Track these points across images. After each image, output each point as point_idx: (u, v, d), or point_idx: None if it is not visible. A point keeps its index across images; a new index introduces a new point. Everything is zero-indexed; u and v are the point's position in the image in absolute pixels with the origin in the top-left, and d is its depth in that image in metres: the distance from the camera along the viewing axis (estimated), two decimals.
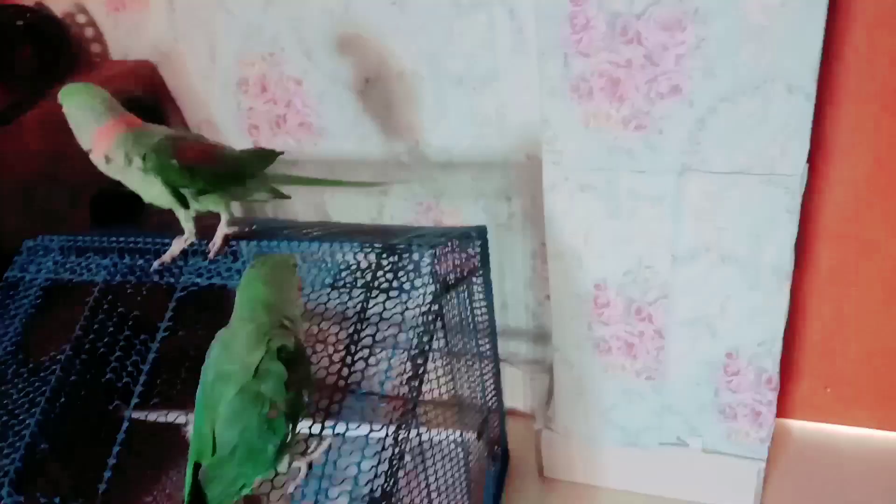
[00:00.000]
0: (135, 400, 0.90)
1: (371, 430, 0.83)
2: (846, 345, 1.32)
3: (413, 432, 0.86)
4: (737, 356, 1.16)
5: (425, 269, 0.94)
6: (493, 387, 1.31)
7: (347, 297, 0.92)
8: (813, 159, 1.11)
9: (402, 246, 0.96)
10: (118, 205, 1.33)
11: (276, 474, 0.78)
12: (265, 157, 1.04)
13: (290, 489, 0.79)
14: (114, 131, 0.88)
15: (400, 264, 0.94)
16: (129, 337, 0.96)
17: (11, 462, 0.89)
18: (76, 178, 1.23)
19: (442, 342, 1.04)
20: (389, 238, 0.99)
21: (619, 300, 1.17)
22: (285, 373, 0.74)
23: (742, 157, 0.99)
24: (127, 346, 0.95)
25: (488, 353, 1.28)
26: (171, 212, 0.97)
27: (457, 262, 1.06)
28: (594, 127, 1.03)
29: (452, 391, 1.14)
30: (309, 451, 0.81)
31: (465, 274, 1.10)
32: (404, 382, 0.86)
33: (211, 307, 1.01)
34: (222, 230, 0.98)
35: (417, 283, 0.92)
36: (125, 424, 0.90)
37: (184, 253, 1.00)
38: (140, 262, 1.01)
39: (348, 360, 0.86)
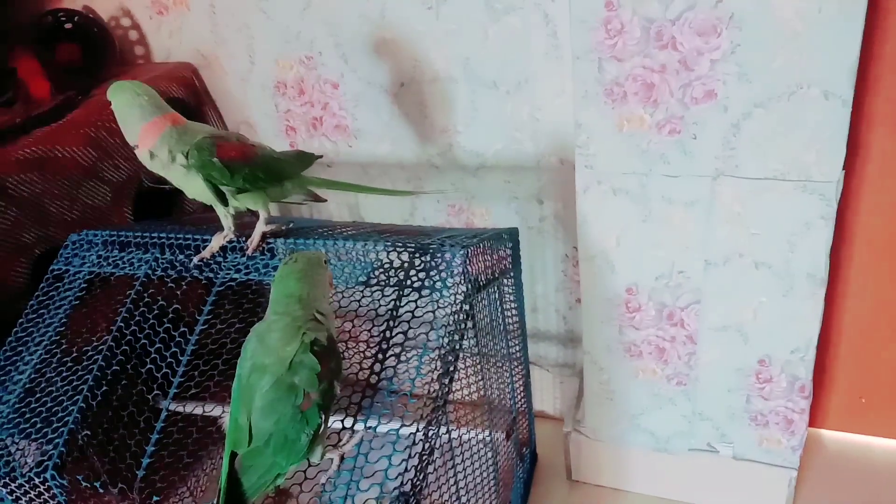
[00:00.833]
0: (173, 390, 0.93)
1: (402, 426, 0.84)
2: (882, 354, 1.31)
3: (443, 429, 0.87)
4: (769, 363, 1.15)
5: (457, 269, 0.95)
6: (522, 388, 1.32)
7: (380, 295, 0.93)
8: (848, 165, 1.10)
9: (434, 246, 0.97)
10: (159, 201, 1.37)
11: (309, 465, 0.80)
12: (303, 159, 1.06)
13: (323, 480, 0.81)
14: (159, 128, 0.91)
15: (432, 263, 0.95)
16: (168, 329, 0.98)
17: (55, 447, 0.92)
18: (120, 174, 1.27)
19: (472, 342, 1.05)
20: (422, 238, 1.01)
21: (650, 304, 1.17)
22: (318, 365, 0.76)
23: (776, 162, 0.99)
24: (166, 338, 0.97)
25: (518, 354, 1.28)
26: (206, 209, 1.00)
27: (488, 262, 1.07)
28: (628, 131, 1.04)
29: (482, 391, 1.15)
30: (341, 443, 0.83)
31: (497, 275, 1.11)
32: (435, 379, 0.87)
33: (247, 302, 1.04)
34: (260, 227, 1.01)
35: (449, 282, 0.94)
36: (163, 414, 0.93)
37: (223, 249, 1.02)
38: (180, 257, 1.03)
39: (380, 356, 0.87)
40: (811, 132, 0.95)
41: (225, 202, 0.97)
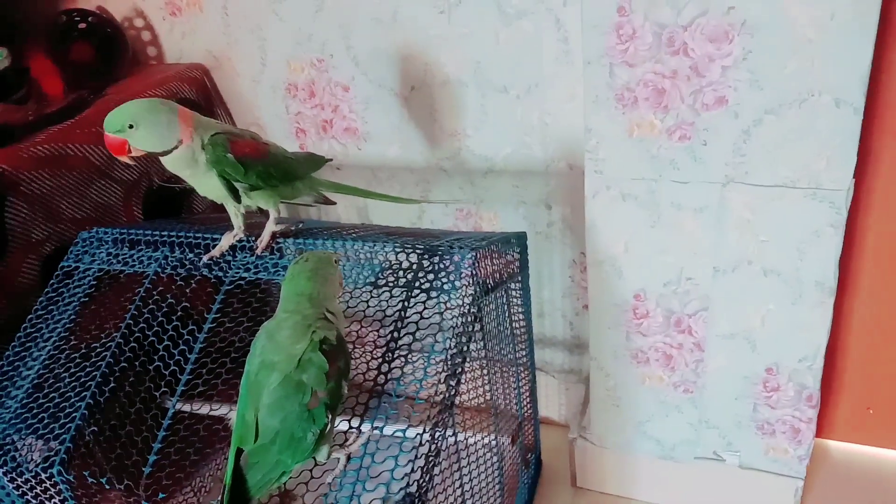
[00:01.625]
0: (180, 388, 0.93)
1: (409, 427, 0.84)
2: (890, 365, 1.30)
3: (449, 432, 0.87)
4: (777, 371, 1.14)
5: (465, 272, 0.95)
6: (528, 394, 1.31)
7: (388, 296, 0.93)
8: (858, 173, 1.10)
9: (443, 248, 0.97)
10: (169, 201, 1.38)
11: (315, 464, 0.80)
12: (315, 161, 1.08)
13: (329, 480, 0.81)
14: (187, 122, 0.91)
15: (441, 265, 0.95)
16: (176, 328, 0.98)
17: (62, 443, 0.92)
18: (131, 173, 1.28)
19: (480, 345, 1.05)
20: (430, 240, 1.01)
21: (658, 311, 1.17)
22: (326, 364, 0.76)
23: (787, 170, 0.99)
24: (174, 336, 0.98)
25: (524, 360, 1.28)
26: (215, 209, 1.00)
27: (496, 266, 1.07)
28: (638, 136, 1.04)
29: (488, 396, 1.14)
30: (347, 443, 0.82)
31: (504, 279, 1.11)
32: (442, 381, 0.87)
33: (256, 302, 1.04)
34: (270, 227, 1.01)
35: (458, 284, 0.94)
36: (170, 412, 0.93)
37: (232, 248, 1.03)
38: (190, 255, 1.04)
39: (388, 356, 0.87)
40: (822, 140, 0.95)
41: (238, 199, 0.97)
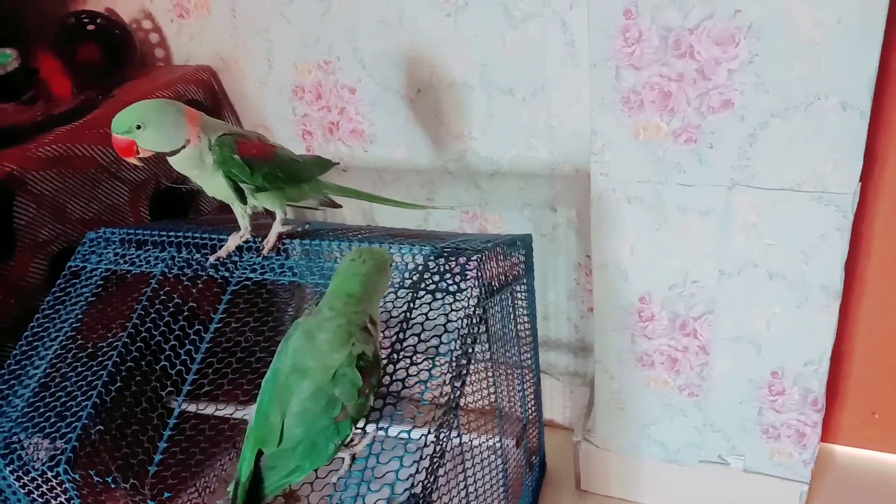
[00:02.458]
0: (186, 388, 0.93)
1: (413, 428, 0.84)
2: None
3: (454, 433, 0.87)
4: (782, 375, 1.14)
5: (471, 273, 0.95)
6: (532, 397, 1.31)
7: (394, 298, 0.94)
8: (864, 177, 1.10)
9: (449, 249, 0.97)
10: (176, 203, 1.38)
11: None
12: (321, 164, 1.08)
13: (334, 480, 0.81)
14: (194, 121, 0.92)
15: (446, 267, 0.95)
16: (182, 328, 0.99)
17: (68, 442, 0.92)
18: (138, 174, 1.28)
19: (485, 347, 1.05)
20: (436, 242, 1.01)
21: (663, 314, 1.17)
22: (361, 381, 0.75)
23: (793, 173, 0.99)
24: (181, 336, 0.98)
25: (529, 362, 1.28)
26: (221, 210, 1.00)
27: (501, 268, 1.07)
28: (644, 139, 1.04)
29: (493, 398, 1.14)
30: (352, 443, 0.83)
31: (510, 281, 1.11)
32: (447, 383, 0.87)
33: (262, 302, 1.04)
34: (276, 228, 1.01)
35: (463, 286, 0.94)
36: (176, 412, 0.93)
37: (239, 249, 1.03)
38: (196, 256, 1.04)
39: (393, 356, 0.87)
40: (828, 143, 0.95)
41: (244, 200, 0.98)
